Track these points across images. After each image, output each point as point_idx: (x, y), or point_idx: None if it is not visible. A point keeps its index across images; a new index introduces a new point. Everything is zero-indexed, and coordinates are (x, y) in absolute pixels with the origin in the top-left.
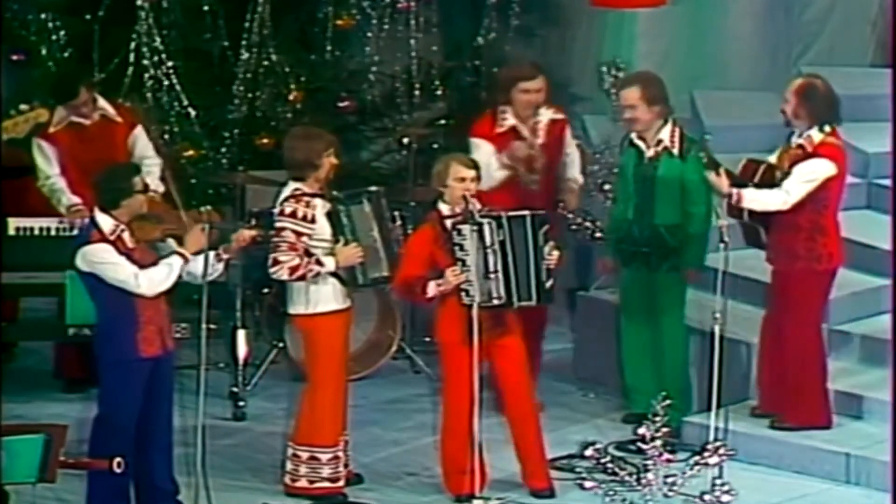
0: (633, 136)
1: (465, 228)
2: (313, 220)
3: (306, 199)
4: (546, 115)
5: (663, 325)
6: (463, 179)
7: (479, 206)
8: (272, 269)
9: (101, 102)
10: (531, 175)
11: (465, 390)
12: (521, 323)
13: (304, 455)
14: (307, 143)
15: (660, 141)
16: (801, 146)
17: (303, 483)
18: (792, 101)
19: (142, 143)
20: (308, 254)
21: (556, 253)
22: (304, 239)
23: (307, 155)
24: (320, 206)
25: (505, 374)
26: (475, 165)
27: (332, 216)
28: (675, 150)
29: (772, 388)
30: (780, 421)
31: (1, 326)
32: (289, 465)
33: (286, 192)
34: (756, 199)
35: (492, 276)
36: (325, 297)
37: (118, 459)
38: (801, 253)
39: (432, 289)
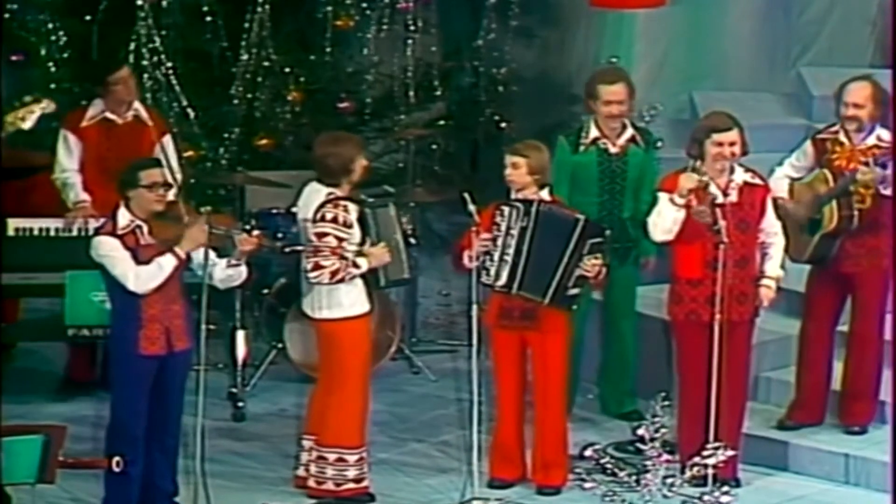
0: (596, 134)
1: (505, 209)
2: (351, 226)
3: (343, 203)
4: (741, 175)
5: (625, 319)
6: (504, 167)
7: (545, 198)
8: (313, 274)
9: (137, 104)
10: (702, 209)
11: (508, 374)
12: (564, 322)
13: (332, 457)
14: (340, 150)
15: (631, 136)
16: (876, 145)
17: (329, 486)
18: (869, 105)
19: (168, 153)
20: (343, 258)
21: (595, 266)
22: (345, 245)
23: (342, 162)
24: (353, 210)
25: (535, 370)
26: (520, 154)
27: (361, 220)
28: (641, 143)
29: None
30: (858, 424)
31: (0, 327)
32: (313, 468)
33: (321, 197)
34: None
35: (506, 259)
36: (354, 300)
37: (117, 458)
38: (886, 249)
39: (466, 258)
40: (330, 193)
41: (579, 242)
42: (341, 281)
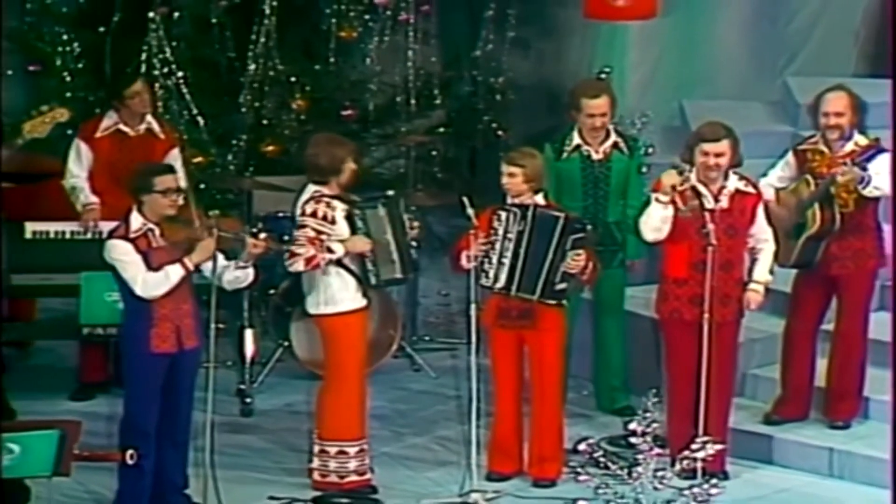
0: (578, 141)
1: (502, 214)
2: (333, 221)
3: (326, 199)
4: (735, 183)
5: (614, 319)
6: (501, 175)
7: (540, 201)
8: (289, 262)
9: (149, 117)
10: (686, 207)
11: (506, 372)
12: (559, 321)
13: (333, 450)
14: (331, 150)
15: (614, 143)
16: (853, 150)
17: (333, 478)
18: (848, 113)
19: (176, 165)
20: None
21: (580, 259)
22: (323, 238)
23: (330, 161)
24: (340, 209)
25: (532, 367)
26: (517, 164)
27: (349, 218)
28: (625, 149)
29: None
30: (842, 420)
31: (16, 325)
32: (316, 462)
33: (306, 194)
34: (881, 184)
35: (504, 261)
36: (349, 296)
37: (130, 452)
38: (871, 251)
39: (464, 259)
40: (316, 191)
41: (562, 239)
42: (316, 267)
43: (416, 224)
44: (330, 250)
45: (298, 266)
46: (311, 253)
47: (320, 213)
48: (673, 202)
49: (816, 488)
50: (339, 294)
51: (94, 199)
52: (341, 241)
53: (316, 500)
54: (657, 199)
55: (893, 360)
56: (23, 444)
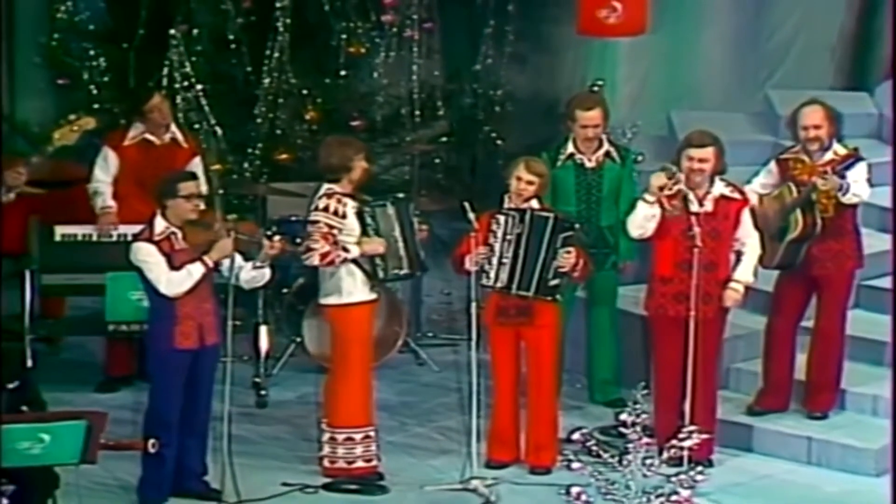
0: (572, 150)
1: (501, 218)
2: (344, 216)
3: (338, 196)
4: (720, 189)
5: (606, 316)
6: (519, 179)
7: (535, 205)
8: (305, 256)
9: (174, 127)
10: (673, 207)
11: (505, 367)
12: (554, 318)
13: (341, 437)
14: (340, 149)
15: (607, 152)
16: (832, 159)
17: (341, 464)
18: (825, 125)
19: (197, 172)
20: (334, 243)
21: (570, 257)
22: (335, 232)
23: (340, 159)
24: (351, 205)
25: (528, 361)
26: (537, 173)
27: (360, 215)
28: (617, 158)
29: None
30: (820, 411)
31: (47, 322)
32: (326, 449)
33: (320, 192)
34: (859, 191)
35: (504, 262)
36: (356, 289)
37: (153, 441)
38: (849, 253)
39: (467, 263)
40: (329, 188)
41: (553, 237)
42: (331, 264)
43: (424, 227)
44: (346, 249)
45: (314, 260)
46: (325, 249)
47: (331, 209)
48: (659, 202)
49: (795, 475)
50: (348, 286)
51: (112, 203)
52: (357, 243)
53: (326, 487)
54: (644, 199)
55: (894, 359)
56: (52, 434)
